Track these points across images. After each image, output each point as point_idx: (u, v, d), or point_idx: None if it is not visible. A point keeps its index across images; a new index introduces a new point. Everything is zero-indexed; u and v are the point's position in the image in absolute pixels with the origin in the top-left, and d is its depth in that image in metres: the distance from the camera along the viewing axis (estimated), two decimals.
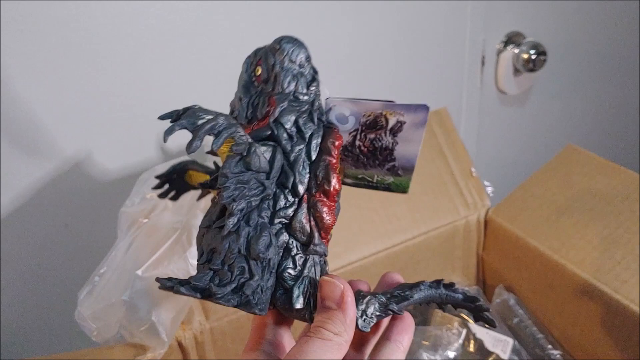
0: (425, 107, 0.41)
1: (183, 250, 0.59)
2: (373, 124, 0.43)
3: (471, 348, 0.68)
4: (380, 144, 0.46)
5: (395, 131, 0.43)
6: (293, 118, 0.39)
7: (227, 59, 0.75)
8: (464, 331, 0.68)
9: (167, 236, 0.60)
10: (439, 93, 1.00)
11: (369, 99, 0.43)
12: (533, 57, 0.99)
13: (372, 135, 0.43)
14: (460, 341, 0.68)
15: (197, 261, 0.37)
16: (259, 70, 0.40)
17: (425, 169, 0.75)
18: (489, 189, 0.77)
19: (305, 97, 0.40)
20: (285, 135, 0.38)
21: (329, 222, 0.38)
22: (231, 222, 0.34)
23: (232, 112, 0.42)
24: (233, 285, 0.34)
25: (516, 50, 1.01)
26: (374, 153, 0.45)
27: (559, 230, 0.69)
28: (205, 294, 0.34)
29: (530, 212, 0.72)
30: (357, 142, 0.46)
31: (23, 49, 0.64)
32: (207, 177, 0.46)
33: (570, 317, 0.68)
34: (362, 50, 0.88)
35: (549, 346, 0.68)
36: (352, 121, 0.44)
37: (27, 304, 0.75)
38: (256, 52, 0.41)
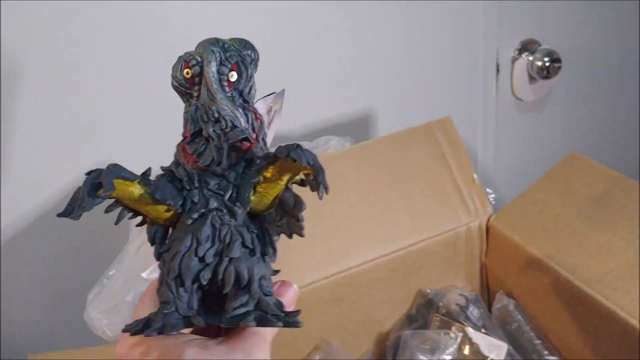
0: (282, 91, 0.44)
1: None
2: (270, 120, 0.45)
3: (466, 352, 0.69)
4: None
5: (269, 122, 0.44)
6: (265, 132, 0.40)
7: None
8: (460, 335, 0.70)
9: None
10: (455, 102, 1.01)
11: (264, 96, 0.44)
12: (547, 64, 0.99)
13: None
14: (456, 345, 0.69)
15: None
16: (234, 76, 0.37)
17: (428, 178, 0.77)
18: (492, 196, 0.79)
19: None
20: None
21: None
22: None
23: (217, 121, 0.36)
24: None
25: (530, 58, 1.01)
26: None
27: (556, 238, 0.70)
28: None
29: (530, 220, 0.74)
30: None
31: (46, 63, 0.70)
32: (138, 189, 0.36)
33: (566, 324, 0.68)
34: (375, 61, 0.91)
35: (546, 352, 0.69)
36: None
37: (51, 306, 0.80)
38: (226, 54, 0.37)
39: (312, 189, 0.35)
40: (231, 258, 0.35)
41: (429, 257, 0.76)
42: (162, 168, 0.39)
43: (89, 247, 0.81)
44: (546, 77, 1.01)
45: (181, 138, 0.39)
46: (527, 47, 1.02)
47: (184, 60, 0.37)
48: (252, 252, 0.37)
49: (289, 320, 0.35)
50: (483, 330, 0.71)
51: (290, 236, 0.38)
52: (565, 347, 0.69)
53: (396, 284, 0.76)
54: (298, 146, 0.34)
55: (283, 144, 0.35)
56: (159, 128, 0.79)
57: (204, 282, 0.36)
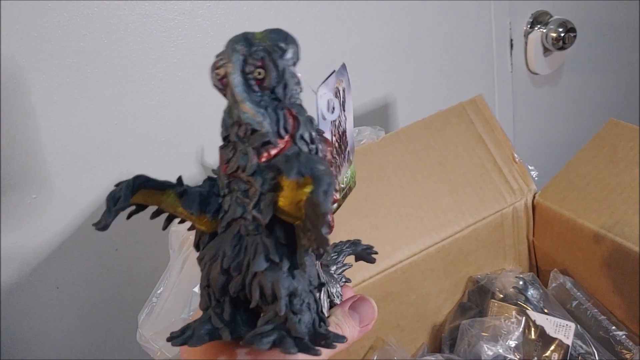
0: (342, 66, 0.40)
1: None
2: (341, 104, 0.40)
3: (532, 335, 0.67)
4: (341, 127, 0.40)
5: (342, 103, 0.40)
6: (310, 131, 0.35)
7: None
8: (523, 319, 0.67)
9: None
10: (471, 81, 0.99)
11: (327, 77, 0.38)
12: (562, 34, 0.97)
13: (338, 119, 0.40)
14: (520, 329, 0.67)
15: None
16: (262, 74, 0.33)
17: (467, 160, 0.74)
18: (534, 173, 0.76)
19: (299, 101, 0.35)
20: (307, 150, 0.35)
21: None
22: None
23: (235, 125, 0.33)
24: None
25: (544, 30, 0.99)
26: (340, 143, 0.41)
27: (610, 208, 0.68)
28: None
29: (579, 192, 0.71)
30: (332, 137, 0.39)
31: (62, 81, 0.66)
32: (171, 197, 0.36)
33: (632, 296, 0.66)
34: (385, 46, 0.88)
35: (613, 327, 0.67)
36: (337, 107, 0.40)
37: (86, 330, 0.76)
38: (251, 50, 0.33)
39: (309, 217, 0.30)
40: (255, 272, 0.33)
41: (477, 242, 0.73)
42: (210, 175, 0.37)
43: (117, 267, 0.77)
44: (562, 48, 0.99)
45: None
46: (538, 19, 1.00)
47: (214, 61, 0.34)
48: (277, 265, 0.33)
49: (307, 346, 0.32)
50: (546, 311, 0.68)
51: (316, 250, 0.32)
52: (632, 319, 0.67)
53: (446, 273, 0.73)
54: (297, 155, 0.32)
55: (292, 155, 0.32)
56: (178, 140, 0.76)
57: (233, 295, 0.33)
